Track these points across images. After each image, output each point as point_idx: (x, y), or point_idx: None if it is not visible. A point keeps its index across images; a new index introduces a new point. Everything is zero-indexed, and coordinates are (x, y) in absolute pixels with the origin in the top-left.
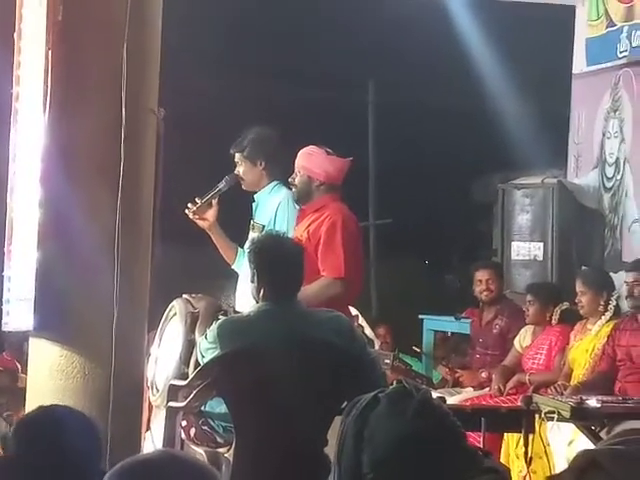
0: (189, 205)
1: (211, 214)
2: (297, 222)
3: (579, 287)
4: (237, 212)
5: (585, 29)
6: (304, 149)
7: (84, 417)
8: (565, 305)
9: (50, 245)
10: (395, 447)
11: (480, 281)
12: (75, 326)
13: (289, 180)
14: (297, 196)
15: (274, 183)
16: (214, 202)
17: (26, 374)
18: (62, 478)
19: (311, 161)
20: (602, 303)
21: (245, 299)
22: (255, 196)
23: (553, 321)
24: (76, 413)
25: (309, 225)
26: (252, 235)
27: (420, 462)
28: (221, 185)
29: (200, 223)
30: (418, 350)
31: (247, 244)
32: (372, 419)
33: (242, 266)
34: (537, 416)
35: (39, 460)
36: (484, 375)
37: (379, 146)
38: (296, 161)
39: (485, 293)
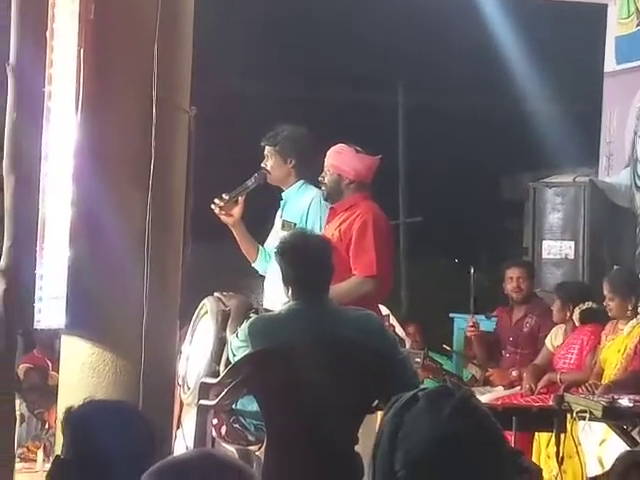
0: (215, 200)
1: (237, 211)
2: (327, 221)
3: (607, 292)
4: (260, 209)
5: (616, 27)
6: (333, 147)
7: (138, 413)
8: (587, 304)
9: (82, 244)
10: (429, 446)
11: (511, 279)
12: (106, 324)
13: (319, 179)
14: (327, 194)
15: (301, 182)
16: (240, 199)
17: (57, 372)
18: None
19: (341, 159)
20: (630, 307)
21: (273, 297)
22: (283, 194)
23: (575, 321)
24: (130, 409)
25: (340, 224)
26: (282, 233)
27: (455, 463)
28: (249, 182)
29: (224, 219)
30: (449, 349)
31: (277, 243)
32: (409, 417)
33: (268, 264)
34: (569, 415)
35: (94, 460)
36: (514, 374)
37: (409, 145)
38: (325, 159)
39: (516, 291)
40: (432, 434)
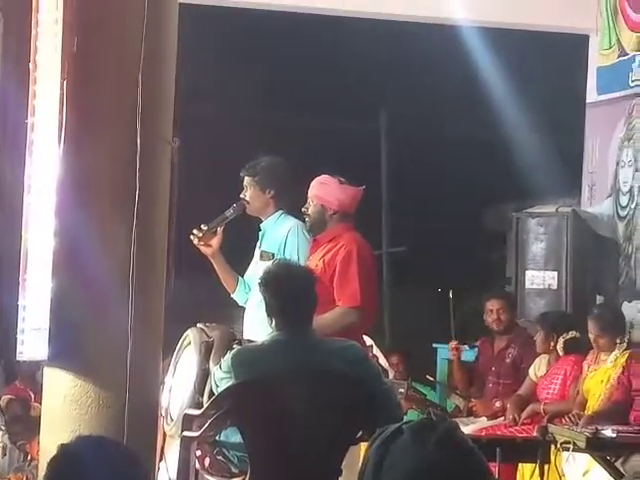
0: (194, 231)
1: (215, 241)
2: (311, 252)
3: (595, 330)
4: (239, 240)
5: (598, 58)
6: (317, 178)
7: (127, 450)
8: (571, 334)
9: (65, 275)
10: (413, 478)
11: (491, 311)
12: (89, 356)
13: (302, 210)
14: (310, 225)
15: (280, 212)
16: (219, 230)
17: (39, 403)
18: None
19: (324, 190)
20: (617, 341)
21: (253, 328)
22: (262, 225)
23: (559, 351)
24: (116, 446)
25: (324, 255)
26: (261, 263)
27: None
28: (228, 213)
29: (204, 250)
30: (432, 379)
31: (256, 273)
32: (394, 449)
33: (247, 295)
34: (553, 446)
35: None
36: (498, 405)
37: (392, 175)
38: (309, 191)
39: (496, 323)
40: (416, 466)
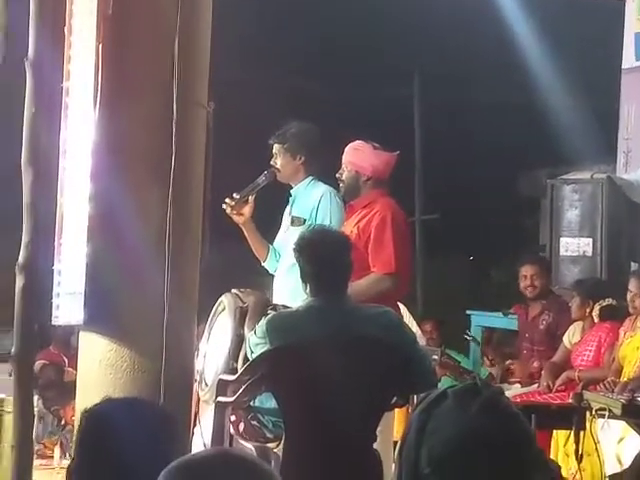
0: (226, 200)
1: (247, 210)
2: (346, 218)
3: (635, 288)
4: (269, 207)
5: (635, 24)
6: (351, 144)
7: (161, 410)
8: (607, 301)
9: (100, 240)
10: (455, 444)
11: (525, 277)
12: (125, 320)
13: (336, 176)
14: (345, 191)
15: (310, 178)
16: (251, 198)
17: (73, 368)
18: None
19: (358, 156)
20: None
21: (282, 295)
22: (292, 191)
23: (594, 317)
24: (150, 406)
25: (359, 221)
26: (292, 229)
27: (480, 461)
28: (259, 181)
29: (236, 218)
30: (470, 337)
31: (280, 239)
32: (436, 414)
33: (278, 264)
34: (588, 413)
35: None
36: (536, 364)
37: (425, 141)
38: (343, 157)
39: (530, 289)
40: (459, 431)
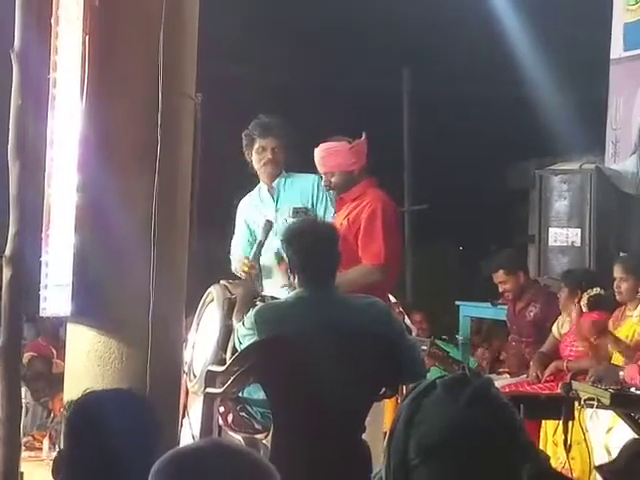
0: (244, 265)
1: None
2: (337, 210)
3: (618, 273)
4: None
5: (623, 14)
6: (328, 149)
7: (140, 400)
8: (595, 291)
9: (88, 231)
10: (443, 434)
11: (498, 283)
12: (112, 312)
13: (324, 184)
14: (338, 192)
15: (283, 172)
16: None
17: (62, 360)
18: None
19: (340, 158)
20: None
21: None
22: (274, 184)
23: (583, 307)
24: (132, 397)
25: (349, 213)
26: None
27: (468, 452)
28: (262, 238)
29: (250, 272)
30: (461, 338)
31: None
32: (425, 404)
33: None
34: (576, 403)
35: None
36: (525, 355)
37: (414, 132)
38: (323, 163)
39: (505, 294)
40: (446, 422)
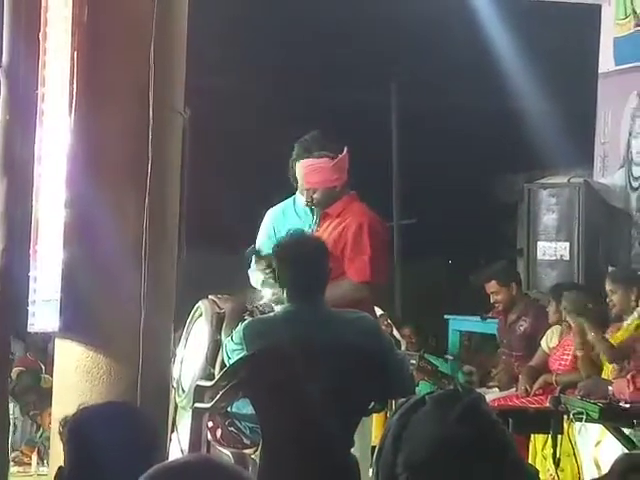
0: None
1: None
2: (321, 225)
3: (609, 286)
4: None
5: (613, 28)
6: (310, 165)
7: (136, 412)
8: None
9: (76, 246)
10: (431, 451)
11: (490, 294)
12: (101, 327)
13: (306, 201)
14: (321, 208)
15: None
16: None
17: (50, 375)
18: None
19: (323, 175)
20: (633, 299)
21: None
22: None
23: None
24: (129, 409)
25: (334, 229)
26: None
27: (455, 469)
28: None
29: None
30: (451, 357)
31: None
32: (414, 420)
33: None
34: (565, 417)
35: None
36: (515, 370)
37: (403, 146)
38: (307, 179)
39: (496, 305)
40: (435, 438)
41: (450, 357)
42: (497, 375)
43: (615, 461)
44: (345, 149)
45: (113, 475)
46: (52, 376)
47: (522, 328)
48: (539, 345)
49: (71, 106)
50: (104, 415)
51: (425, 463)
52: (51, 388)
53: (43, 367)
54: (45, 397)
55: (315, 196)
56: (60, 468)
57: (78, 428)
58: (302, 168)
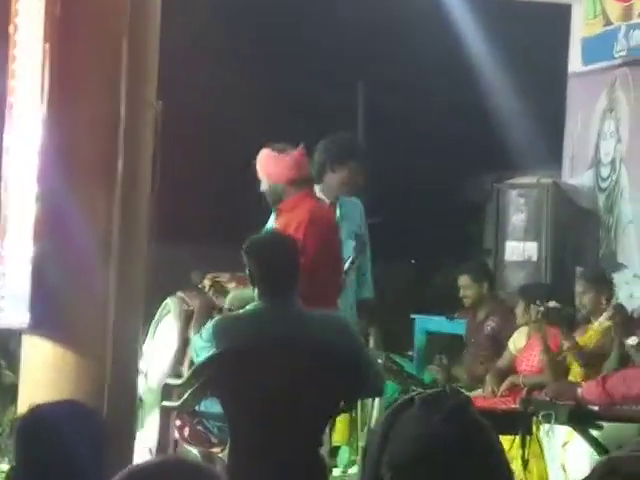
0: None
1: None
2: (275, 221)
3: (580, 287)
4: None
5: (582, 28)
6: (259, 157)
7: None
8: (551, 304)
9: (46, 241)
10: (415, 451)
11: (460, 287)
12: (70, 323)
13: (261, 188)
14: (271, 200)
15: None
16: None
17: (11, 371)
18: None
19: (267, 167)
20: (603, 301)
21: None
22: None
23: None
24: (81, 409)
25: (281, 224)
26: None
27: (439, 469)
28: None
29: None
30: (410, 354)
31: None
32: (401, 420)
33: None
34: (534, 418)
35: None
36: (481, 369)
37: (369, 145)
38: (258, 170)
39: (464, 299)
40: (418, 439)
41: (414, 354)
42: (462, 374)
43: (596, 464)
44: (300, 146)
45: (62, 474)
46: (13, 372)
47: (489, 327)
48: (506, 346)
49: (42, 99)
50: (53, 414)
51: (408, 463)
52: (11, 384)
53: (3, 363)
54: (6, 393)
55: (262, 188)
56: (12, 467)
57: (27, 427)
58: (258, 159)
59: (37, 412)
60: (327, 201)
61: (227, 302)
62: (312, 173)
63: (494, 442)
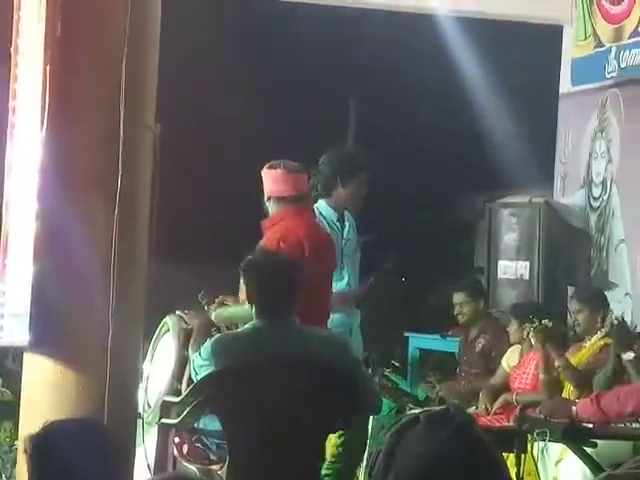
0: None
1: None
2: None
3: (575, 305)
4: None
5: (572, 49)
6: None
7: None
8: (543, 322)
9: (46, 259)
10: (421, 469)
11: (455, 304)
12: (70, 342)
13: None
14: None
15: None
16: None
17: (7, 388)
18: None
19: (263, 181)
20: (599, 320)
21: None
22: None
23: (532, 339)
24: (92, 426)
25: (263, 242)
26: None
27: None
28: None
29: None
30: (397, 365)
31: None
32: (406, 438)
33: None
34: (528, 436)
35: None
36: (473, 387)
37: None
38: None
39: (459, 316)
40: (424, 457)
41: (396, 364)
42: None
43: None
44: (281, 165)
45: None
46: (9, 390)
47: (481, 345)
48: (499, 364)
49: (42, 119)
50: (68, 431)
51: None
52: (8, 402)
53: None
54: (4, 410)
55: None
56: None
57: (42, 445)
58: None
59: (52, 429)
60: (338, 213)
61: (213, 317)
62: (306, 190)
63: (499, 459)
